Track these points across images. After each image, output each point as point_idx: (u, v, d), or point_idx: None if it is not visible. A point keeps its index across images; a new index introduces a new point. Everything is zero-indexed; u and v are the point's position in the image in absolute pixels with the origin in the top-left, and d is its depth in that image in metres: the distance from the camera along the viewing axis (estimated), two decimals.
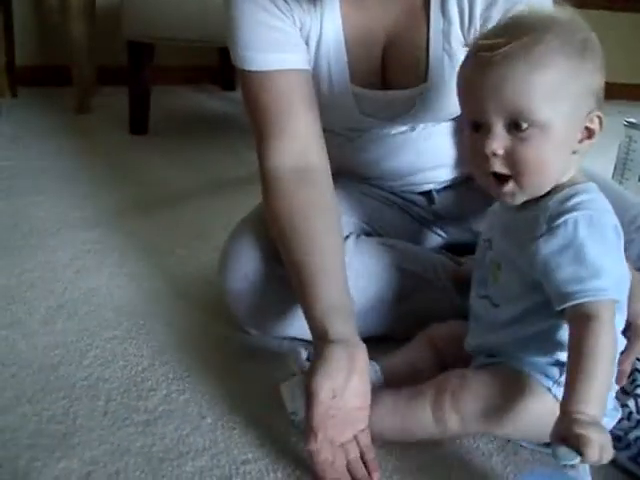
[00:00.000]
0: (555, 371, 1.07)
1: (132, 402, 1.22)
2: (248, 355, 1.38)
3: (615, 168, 2.45)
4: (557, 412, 0.95)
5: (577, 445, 0.89)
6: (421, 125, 1.42)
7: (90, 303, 1.52)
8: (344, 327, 1.13)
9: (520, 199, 1.06)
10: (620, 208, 1.10)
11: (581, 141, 1.03)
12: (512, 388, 1.07)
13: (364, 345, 1.12)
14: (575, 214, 1.00)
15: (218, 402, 1.24)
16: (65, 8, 2.97)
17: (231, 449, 1.13)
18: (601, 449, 0.89)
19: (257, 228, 1.35)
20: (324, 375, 1.05)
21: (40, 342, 1.37)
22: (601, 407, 0.94)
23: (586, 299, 0.97)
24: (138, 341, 1.40)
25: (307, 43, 1.30)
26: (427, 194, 1.54)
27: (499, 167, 1.03)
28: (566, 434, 0.91)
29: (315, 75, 1.32)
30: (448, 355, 1.24)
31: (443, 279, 1.41)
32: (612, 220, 1.03)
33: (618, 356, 1.03)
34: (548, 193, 1.05)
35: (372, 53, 1.34)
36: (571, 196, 1.02)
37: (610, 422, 1.08)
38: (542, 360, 1.08)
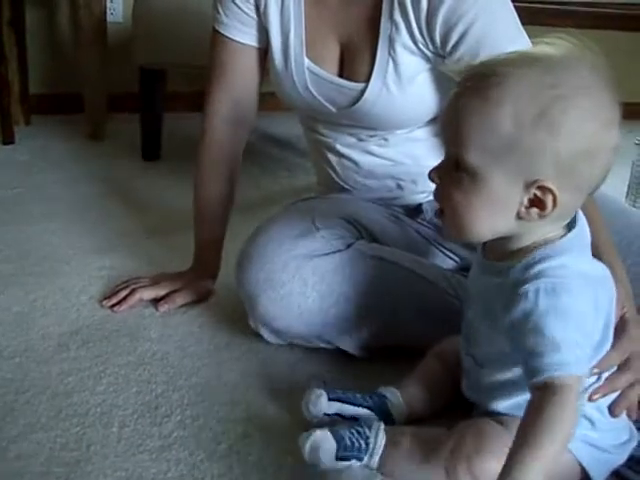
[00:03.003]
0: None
1: (146, 428, 1.22)
2: (263, 378, 1.38)
3: (628, 188, 2.45)
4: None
5: None
6: (387, 133, 1.51)
7: (104, 329, 1.52)
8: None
9: (450, 238, 1.03)
10: (626, 237, 1.08)
11: (528, 208, 0.95)
12: None
13: None
14: (536, 283, 0.94)
15: (233, 427, 1.23)
16: (76, 36, 2.99)
17: (247, 475, 1.12)
18: None
19: (277, 230, 1.43)
20: None
21: (54, 369, 1.37)
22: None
23: (546, 374, 0.91)
24: (152, 367, 1.40)
25: (269, 17, 1.50)
26: (418, 208, 1.58)
27: (435, 197, 1.02)
28: None
29: (271, 46, 1.52)
30: (459, 370, 1.21)
31: (455, 289, 1.42)
32: (582, 285, 0.95)
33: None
34: (515, 253, 1.00)
35: (328, 40, 1.48)
36: (536, 262, 0.96)
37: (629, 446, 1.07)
38: None
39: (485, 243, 1.06)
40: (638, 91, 3.51)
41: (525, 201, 0.94)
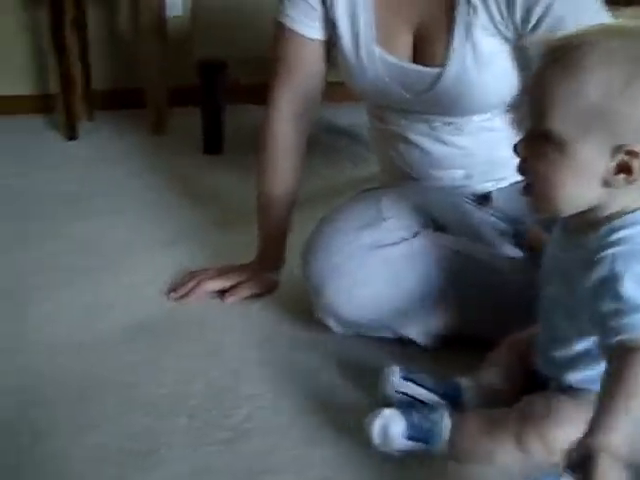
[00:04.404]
0: None
1: (215, 419, 1.22)
2: (331, 369, 1.37)
3: None
4: None
5: None
6: (464, 121, 1.48)
7: (171, 321, 1.53)
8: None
9: (540, 213, 1.03)
10: None
11: (616, 174, 0.95)
12: None
13: None
14: (614, 250, 0.96)
15: (302, 418, 1.23)
16: (137, 31, 3.02)
17: (315, 465, 1.12)
18: None
19: (343, 220, 1.44)
20: None
21: (122, 360, 1.38)
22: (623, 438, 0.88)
23: (626, 335, 0.92)
24: (219, 358, 1.40)
25: (336, 8, 1.49)
26: (487, 196, 1.55)
27: (520, 171, 1.02)
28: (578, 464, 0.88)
29: (340, 37, 1.50)
30: (533, 359, 1.20)
31: (525, 278, 1.39)
32: None
33: None
34: (598, 222, 1.00)
35: (400, 26, 1.45)
36: (615, 230, 0.98)
37: None
38: None
39: (569, 217, 1.05)
40: None
41: (612, 167, 0.95)
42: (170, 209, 2.16)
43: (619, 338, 0.93)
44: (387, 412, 1.11)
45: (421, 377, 1.23)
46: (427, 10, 1.42)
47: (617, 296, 0.94)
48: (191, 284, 1.62)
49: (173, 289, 1.63)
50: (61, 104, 2.85)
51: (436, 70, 1.42)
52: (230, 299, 1.59)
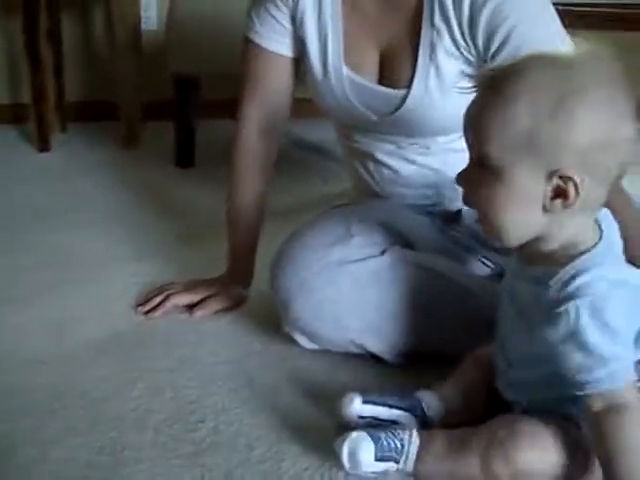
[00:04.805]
0: None
1: (180, 434, 1.22)
2: (298, 384, 1.38)
3: None
4: None
5: None
6: (429, 141, 1.51)
7: (139, 335, 1.53)
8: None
9: (492, 241, 1.05)
10: None
11: (553, 199, 0.96)
12: (565, 437, 1.04)
13: None
14: (575, 302, 0.95)
15: (267, 434, 1.23)
16: (112, 44, 3.02)
17: None
18: None
19: (312, 236, 1.44)
20: None
21: (90, 374, 1.38)
22: None
23: (596, 390, 0.95)
24: (186, 372, 1.40)
25: (305, 26, 1.50)
26: (457, 214, 1.56)
27: (464, 202, 1.04)
28: None
29: (308, 55, 1.51)
30: (495, 374, 1.21)
31: (491, 296, 1.40)
32: (621, 295, 0.96)
33: None
34: (552, 255, 1.01)
35: (367, 47, 1.47)
36: (571, 278, 0.97)
37: None
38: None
39: (521, 249, 1.06)
40: None
41: (549, 192, 0.95)
42: (140, 223, 2.17)
43: (589, 392, 0.95)
44: (354, 435, 1.10)
45: (381, 398, 1.21)
46: (394, 32, 1.44)
47: (584, 349, 0.95)
48: (159, 298, 1.62)
49: (141, 303, 1.64)
50: (34, 115, 2.85)
51: (401, 92, 1.44)
52: (198, 313, 1.60)
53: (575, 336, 0.95)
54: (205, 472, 1.13)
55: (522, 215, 0.98)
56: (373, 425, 1.18)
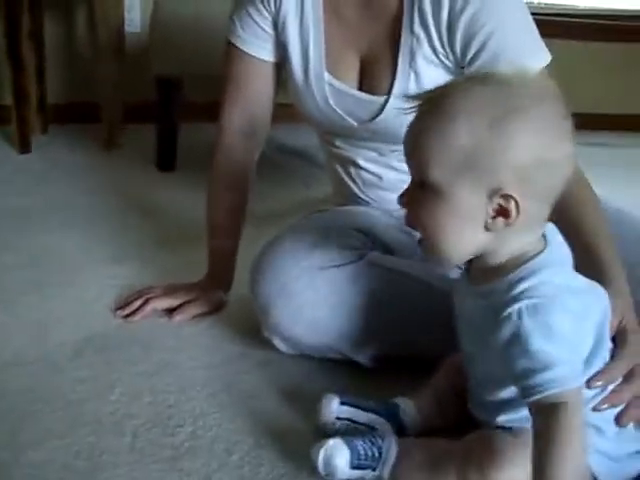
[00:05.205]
0: None
1: (158, 438, 1.22)
2: (276, 389, 1.38)
3: None
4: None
5: None
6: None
7: (118, 338, 1.52)
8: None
9: (436, 264, 1.05)
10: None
11: (494, 218, 0.96)
12: None
13: None
14: (518, 305, 0.95)
15: (245, 438, 1.23)
16: (94, 46, 3.02)
17: None
18: None
19: (291, 241, 1.44)
20: None
21: (68, 377, 1.38)
22: None
23: (540, 394, 0.93)
24: (165, 377, 1.40)
25: (287, 32, 1.50)
26: None
27: (407, 222, 1.04)
28: None
29: (290, 61, 1.52)
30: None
31: None
32: (566, 299, 0.96)
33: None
34: (497, 270, 1.01)
35: (348, 54, 1.48)
36: (516, 282, 0.97)
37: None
38: None
39: (467, 267, 1.08)
40: None
41: (490, 211, 0.96)
42: (120, 225, 2.16)
43: (535, 398, 0.94)
44: (331, 442, 1.10)
45: (359, 400, 1.23)
46: (374, 39, 1.45)
47: (527, 354, 0.94)
48: (138, 302, 1.62)
49: (120, 307, 1.63)
50: (15, 117, 2.83)
51: (381, 98, 1.45)
52: (177, 318, 1.60)
53: (518, 339, 0.95)
54: (183, 477, 1.13)
55: (464, 234, 0.98)
56: (349, 428, 1.19)
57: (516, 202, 0.94)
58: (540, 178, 0.95)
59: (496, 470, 1.03)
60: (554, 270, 0.99)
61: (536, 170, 0.94)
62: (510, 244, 1.00)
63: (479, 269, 1.04)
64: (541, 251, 1.00)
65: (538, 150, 0.94)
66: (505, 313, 0.96)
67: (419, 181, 0.99)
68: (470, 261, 1.05)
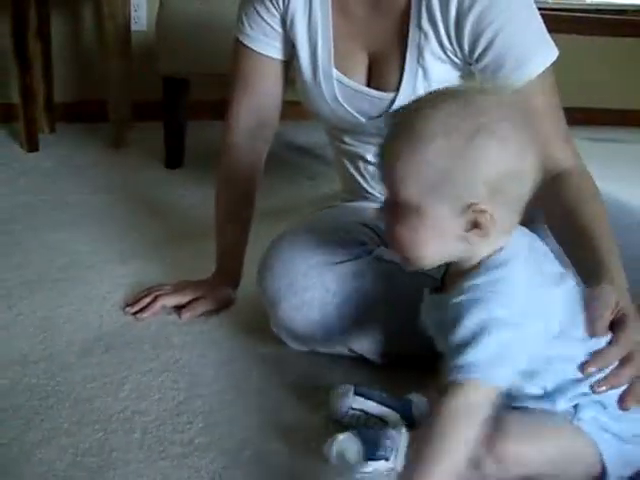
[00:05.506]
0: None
1: (168, 435, 1.22)
2: (286, 385, 1.38)
3: None
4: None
5: None
6: None
7: (127, 336, 1.53)
8: None
9: (409, 269, 1.05)
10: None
11: (469, 231, 0.98)
12: (545, 428, 1.05)
13: None
14: (461, 297, 0.98)
15: (255, 434, 1.23)
16: (102, 45, 3.02)
17: None
18: None
19: (300, 237, 1.44)
20: None
21: (77, 374, 1.38)
22: None
23: (464, 376, 0.95)
24: (174, 374, 1.40)
25: (296, 30, 1.49)
26: None
27: (385, 236, 1.06)
28: None
29: (298, 58, 1.51)
30: None
31: None
32: (514, 293, 0.98)
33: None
34: (468, 272, 1.02)
35: (356, 50, 1.48)
36: (469, 279, 1.00)
37: None
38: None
39: (443, 277, 1.09)
40: None
41: (465, 225, 0.98)
42: (128, 223, 2.16)
43: (447, 380, 0.96)
44: (341, 437, 1.12)
45: (374, 392, 1.24)
46: (382, 35, 1.44)
47: (450, 340, 0.97)
48: (147, 299, 1.62)
49: (129, 304, 1.63)
50: (22, 115, 2.84)
51: (390, 95, 1.44)
52: (186, 315, 1.60)
53: (452, 327, 0.97)
54: (193, 473, 1.13)
55: (438, 247, 1.00)
56: (362, 419, 1.20)
57: (490, 215, 0.96)
58: (511, 189, 0.97)
59: (505, 444, 1.03)
60: (508, 266, 1.00)
61: (507, 182, 0.96)
62: (483, 250, 1.01)
63: (452, 274, 1.06)
64: (502, 247, 1.02)
65: (508, 163, 0.96)
66: (451, 302, 0.99)
67: (394, 198, 1.00)
68: (442, 265, 1.07)
